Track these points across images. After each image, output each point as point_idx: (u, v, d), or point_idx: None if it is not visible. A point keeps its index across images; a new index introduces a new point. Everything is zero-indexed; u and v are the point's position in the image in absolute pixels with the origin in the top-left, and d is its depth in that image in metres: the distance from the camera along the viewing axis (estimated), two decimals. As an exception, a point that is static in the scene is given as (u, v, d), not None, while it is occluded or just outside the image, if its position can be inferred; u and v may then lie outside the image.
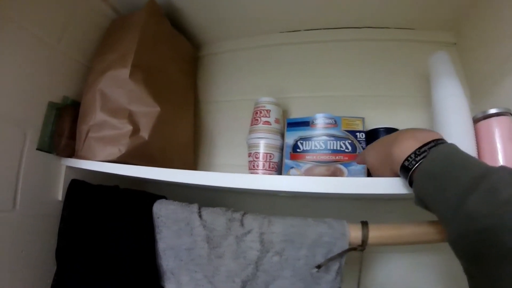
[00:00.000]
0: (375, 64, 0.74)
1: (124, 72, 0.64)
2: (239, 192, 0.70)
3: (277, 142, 0.65)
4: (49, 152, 0.71)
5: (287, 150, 0.65)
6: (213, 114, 0.80)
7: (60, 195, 0.72)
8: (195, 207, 0.53)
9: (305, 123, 0.65)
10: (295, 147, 0.64)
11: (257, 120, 0.66)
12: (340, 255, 0.46)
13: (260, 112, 0.66)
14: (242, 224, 0.49)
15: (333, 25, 0.76)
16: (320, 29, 0.76)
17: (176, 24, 0.77)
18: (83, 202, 0.68)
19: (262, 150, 0.64)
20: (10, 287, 0.63)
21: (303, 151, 0.63)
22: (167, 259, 0.55)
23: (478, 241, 0.28)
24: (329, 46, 0.75)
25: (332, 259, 0.45)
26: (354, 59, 0.75)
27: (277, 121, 0.66)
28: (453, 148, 0.35)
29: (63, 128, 0.70)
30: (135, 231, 0.57)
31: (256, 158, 0.64)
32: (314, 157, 0.62)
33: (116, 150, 0.61)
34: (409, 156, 0.36)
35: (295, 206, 0.67)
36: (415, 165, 0.35)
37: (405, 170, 0.36)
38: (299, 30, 0.76)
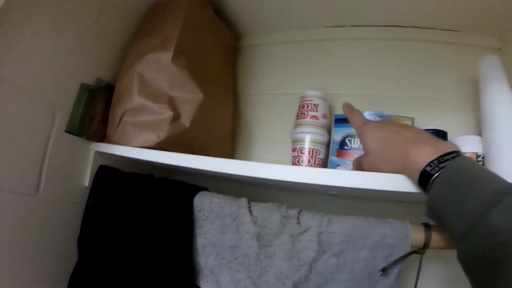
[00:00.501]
0: (420, 65, 0.72)
1: (166, 56, 0.61)
2: (280, 189, 0.66)
3: (323, 138, 0.62)
4: (78, 135, 0.67)
5: (334, 147, 0.62)
6: (252, 107, 0.77)
7: (87, 181, 0.69)
8: (243, 201, 0.49)
9: (353, 120, 0.62)
10: (342, 144, 0.61)
11: (303, 114, 0.62)
12: (403, 258, 0.42)
13: (307, 106, 0.62)
14: (298, 222, 0.45)
15: (380, 22, 0.73)
16: (366, 26, 0.73)
17: (218, 11, 0.74)
18: (112, 190, 0.64)
19: (307, 145, 0.61)
20: (29, 273, 0.60)
21: (351, 148, 0.60)
22: (207, 257, 0.51)
23: (497, 256, 0.27)
24: (375, 44, 0.73)
25: (396, 262, 0.42)
26: (399, 58, 0.72)
27: (324, 116, 0.62)
28: (474, 162, 0.35)
29: (95, 111, 0.67)
30: (172, 224, 0.53)
31: (302, 153, 0.61)
32: (363, 156, 0.59)
33: (155, 136, 0.57)
34: (432, 162, 0.35)
35: (337, 206, 0.64)
36: (437, 171, 0.34)
37: (426, 176, 0.35)
38: (345, 26, 0.73)
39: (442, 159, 0.34)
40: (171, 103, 0.59)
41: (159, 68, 0.61)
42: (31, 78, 0.59)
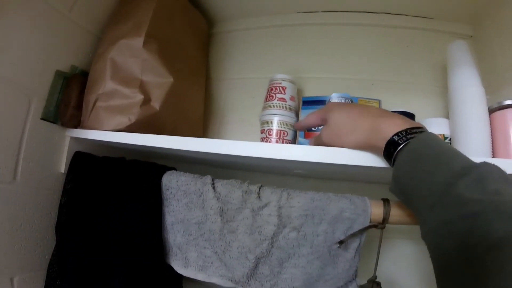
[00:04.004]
0: (391, 50, 0.73)
1: (138, 41, 0.62)
2: (250, 170, 0.68)
3: (291, 119, 0.63)
4: (53, 122, 0.68)
5: (302, 129, 0.63)
6: (224, 92, 0.78)
7: (63, 167, 0.70)
8: (208, 178, 0.50)
9: (321, 102, 0.63)
10: (310, 126, 0.62)
11: (272, 96, 0.64)
12: (362, 231, 0.44)
13: (276, 89, 0.64)
14: (259, 197, 0.47)
15: (351, 8, 0.75)
16: (338, 11, 0.75)
17: (191, -2, 0.75)
18: (87, 175, 0.66)
19: (275, 127, 0.62)
20: (8, 260, 0.61)
21: (318, 130, 0.61)
22: (175, 234, 0.52)
23: (465, 229, 0.27)
24: (346, 29, 0.74)
25: (354, 235, 0.43)
26: (370, 43, 0.74)
27: (292, 98, 0.64)
28: (440, 139, 0.34)
29: (70, 97, 0.68)
30: (141, 204, 0.54)
31: (270, 135, 0.62)
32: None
33: (126, 119, 0.58)
34: (400, 132, 0.34)
35: (306, 188, 0.66)
36: (405, 141, 0.33)
37: (392, 145, 0.34)
38: (317, 12, 0.75)
39: (410, 131, 0.34)
40: (142, 87, 0.61)
41: (131, 54, 0.62)
42: (6, 64, 0.59)
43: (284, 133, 0.62)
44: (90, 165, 0.66)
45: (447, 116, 0.62)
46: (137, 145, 0.57)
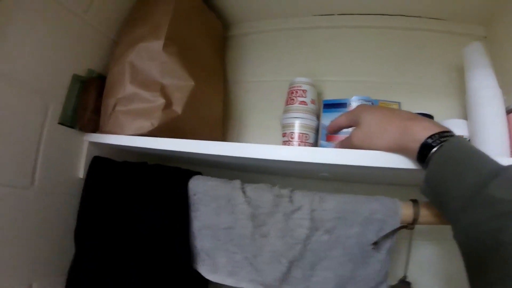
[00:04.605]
0: (407, 52, 0.74)
1: (157, 44, 0.61)
2: (271, 174, 0.68)
3: (313, 122, 0.63)
4: (71, 127, 0.67)
5: (323, 132, 0.63)
6: (242, 95, 0.78)
7: (81, 172, 0.69)
8: (237, 183, 0.50)
9: (341, 105, 0.63)
10: (331, 128, 0.62)
11: (292, 99, 0.64)
12: (393, 232, 0.44)
13: (296, 92, 0.64)
14: (291, 201, 0.47)
15: (366, 11, 0.75)
16: (353, 14, 0.75)
17: (207, 0, 0.75)
18: (106, 180, 0.65)
19: (297, 130, 0.62)
20: (26, 266, 0.60)
21: (340, 133, 0.62)
22: (203, 239, 0.52)
23: (496, 228, 0.28)
24: (362, 32, 0.74)
25: (386, 236, 0.44)
26: (386, 45, 0.74)
27: (313, 101, 0.64)
28: (469, 143, 0.36)
29: (87, 101, 0.67)
30: (167, 210, 0.54)
31: (292, 138, 0.62)
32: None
33: (148, 124, 0.58)
34: (433, 135, 0.35)
35: (329, 190, 0.66)
36: (438, 144, 0.35)
37: (426, 148, 0.36)
38: (333, 14, 0.75)
39: (442, 135, 0.35)
40: (163, 91, 0.60)
41: (151, 57, 0.62)
42: (23, 68, 0.58)
43: (306, 136, 0.63)
44: (109, 170, 0.65)
45: (463, 117, 0.62)
46: (158, 149, 0.57)
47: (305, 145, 0.62)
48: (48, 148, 0.64)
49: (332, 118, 0.63)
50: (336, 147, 0.51)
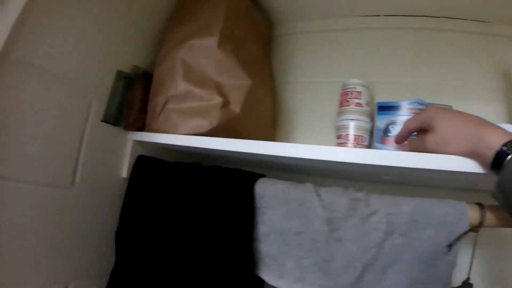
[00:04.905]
0: (455, 55, 0.72)
1: (211, 41, 0.60)
2: (325, 176, 0.66)
3: (367, 124, 0.62)
4: (115, 124, 0.65)
5: (378, 134, 0.63)
6: (290, 95, 0.77)
7: (125, 172, 0.67)
8: (310, 186, 0.49)
9: (395, 107, 0.63)
10: (386, 131, 0.62)
11: (347, 101, 0.63)
12: (463, 235, 0.44)
13: (351, 93, 0.63)
14: (367, 204, 0.46)
15: (412, 12, 0.74)
16: (399, 15, 0.75)
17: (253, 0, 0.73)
18: (153, 180, 0.63)
19: (353, 132, 0.61)
20: (63, 267, 0.58)
21: (395, 135, 0.61)
22: (270, 245, 0.50)
23: None
24: (408, 33, 0.74)
25: (459, 239, 0.43)
26: (432, 47, 0.73)
27: (367, 103, 0.63)
28: None
29: (133, 99, 0.65)
30: (230, 214, 0.52)
31: (347, 140, 0.61)
32: (406, 141, 0.60)
33: (206, 123, 0.56)
34: (508, 142, 0.37)
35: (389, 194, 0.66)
36: None
37: (502, 155, 0.37)
38: (378, 15, 0.74)
39: None
40: (219, 89, 0.58)
41: (204, 54, 0.60)
42: (65, 64, 0.56)
43: (361, 138, 0.62)
44: (157, 170, 0.63)
45: (509, 121, 0.62)
46: (213, 149, 0.55)
47: (360, 147, 0.61)
48: (90, 147, 0.62)
49: (386, 121, 0.63)
50: (406, 150, 0.50)
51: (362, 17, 0.75)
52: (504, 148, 0.37)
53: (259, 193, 0.50)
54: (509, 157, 0.36)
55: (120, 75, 0.65)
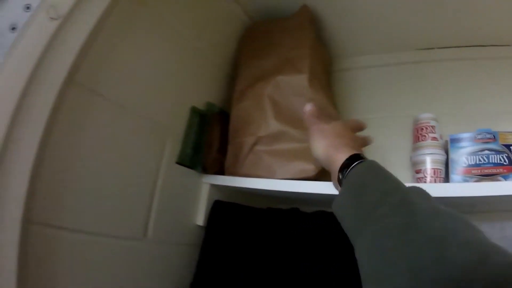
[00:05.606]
0: (508, 83, 0.72)
1: (301, 78, 0.57)
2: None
3: (443, 157, 0.65)
4: (191, 167, 0.58)
5: (453, 166, 0.66)
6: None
7: (201, 219, 0.60)
8: None
9: (467, 138, 0.66)
10: (460, 162, 0.65)
11: (424, 136, 0.65)
12: None
13: (426, 128, 0.65)
14: None
15: (464, 43, 0.76)
16: (452, 47, 0.76)
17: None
18: (236, 228, 0.57)
19: (430, 165, 0.63)
20: None
21: (469, 165, 0.65)
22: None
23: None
24: (465, 64, 0.75)
25: None
26: (487, 77, 0.74)
27: (441, 136, 0.66)
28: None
29: (212, 139, 0.59)
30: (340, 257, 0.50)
31: (426, 174, 0.63)
32: (479, 171, 0.64)
33: (312, 166, 0.53)
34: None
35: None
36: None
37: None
38: (432, 48, 0.77)
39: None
40: (315, 130, 0.56)
41: (294, 92, 0.57)
42: (134, 96, 0.50)
43: (439, 171, 0.64)
44: (242, 217, 0.58)
45: None
46: (317, 194, 0.52)
47: (440, 180, 0.64)
48: (164, 192, 0.56)
49: (460, 152, 0.66)
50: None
51: (419, 50, 0.77)
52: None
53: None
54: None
55: (195, 111, 0.59)
